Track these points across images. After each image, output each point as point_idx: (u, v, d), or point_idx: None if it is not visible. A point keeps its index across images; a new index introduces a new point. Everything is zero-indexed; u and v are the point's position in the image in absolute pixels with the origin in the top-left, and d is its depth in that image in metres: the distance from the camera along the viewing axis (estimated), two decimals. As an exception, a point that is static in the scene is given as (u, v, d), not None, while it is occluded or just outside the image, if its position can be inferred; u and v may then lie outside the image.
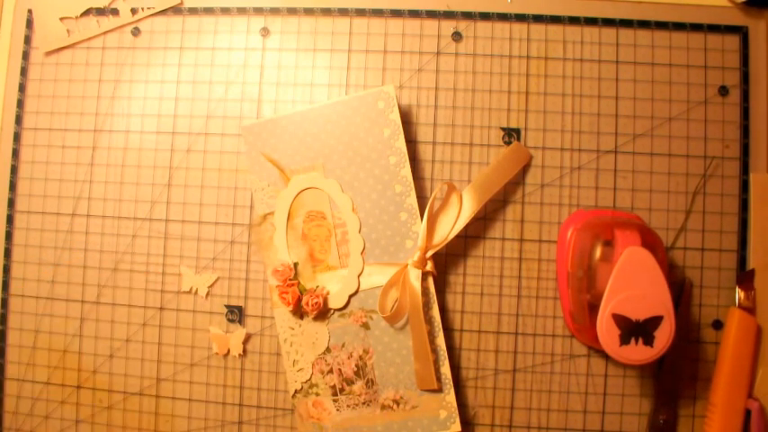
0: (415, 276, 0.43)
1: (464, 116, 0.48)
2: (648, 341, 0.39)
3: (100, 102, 0.50)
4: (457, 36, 0.48)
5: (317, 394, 0.45)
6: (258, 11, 0.49)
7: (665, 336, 0.39)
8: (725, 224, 0.46)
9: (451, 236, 0.44)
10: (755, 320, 0.45)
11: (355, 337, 0.45)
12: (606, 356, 0.45)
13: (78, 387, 0.48)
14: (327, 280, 0.45)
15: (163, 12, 0.50)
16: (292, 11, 0.49)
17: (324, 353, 0.45)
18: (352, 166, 0.45)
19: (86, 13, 0.50)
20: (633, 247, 0.40)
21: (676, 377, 0.45)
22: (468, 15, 0.48)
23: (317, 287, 0.45)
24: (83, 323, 0.49)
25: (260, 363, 0.48)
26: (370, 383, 0.44)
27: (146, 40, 0.50)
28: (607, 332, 0.39)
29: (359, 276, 0.45)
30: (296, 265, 0.45)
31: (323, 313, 0.45)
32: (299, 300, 0.44)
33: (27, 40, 0.50)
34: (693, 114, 0.47)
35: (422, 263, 0.44)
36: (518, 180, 0.47)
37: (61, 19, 0.50)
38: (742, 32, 0.47)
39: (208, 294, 0.48)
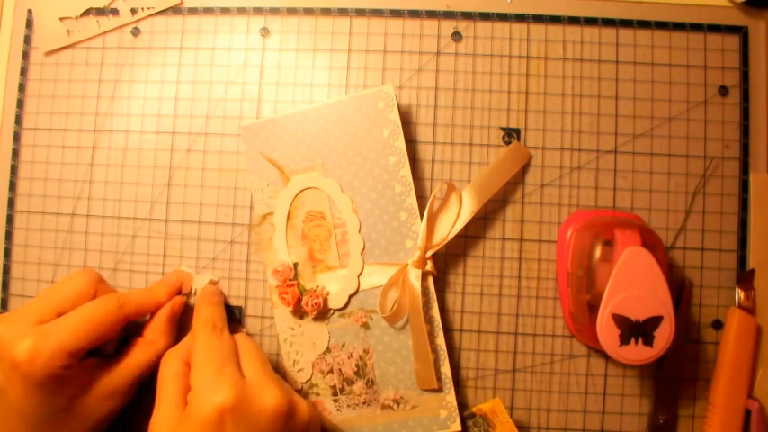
0: (414, 276, 0.43)
1: (464, 116, 0.48)
2: (648, 341, 0.39)
3: (100, 102, 0.50)
4: (457, 36, 0.48)
5: (318, 394, 0.45)
6: (258, 11, 0.49)
7: (665, 336, 0.39)
8: (725, 224, 0.46)
9: (451, 236, 0.44)
10: (755, 320, 0.45)
11: (355, 337, 0.45)
12: (606, 356, 0.45)
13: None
14: (327, 280, 0.45)
15: (163, 12, 0.50)
16: (292, 11, 0.49)
17: (324, 353, 0.45)
18: (352, 166, 0.45)
19: (86, 13, 0.50)
20: (633, 247, 0.40)
21: (676, 377, 0.45)
22: (468, 15, 0.48)
23: (317, 287, 0.45)
24: (83, 323, 0.49)
25: (260, 363, 0.47)
26: (370, 383, 0.44)
27: (146, 40, 0.50)
28: (607, 332, 0.39)
29: (359, 276, 0.45)
30: (296, 265, 0.45)
31: (323, 313, 0.45)
32: (299, 300, 0.44)
33: (27, 40, 0.50)
34: (693, 114, 0.47)
35: (422, 263, 0.44)
36: (518, 180, 0.47)
37: (61, 19, 0.50)
38: (742, 32, 0.47)
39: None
